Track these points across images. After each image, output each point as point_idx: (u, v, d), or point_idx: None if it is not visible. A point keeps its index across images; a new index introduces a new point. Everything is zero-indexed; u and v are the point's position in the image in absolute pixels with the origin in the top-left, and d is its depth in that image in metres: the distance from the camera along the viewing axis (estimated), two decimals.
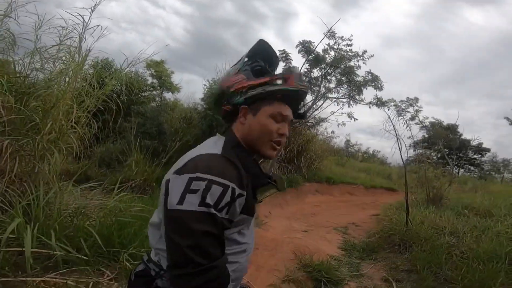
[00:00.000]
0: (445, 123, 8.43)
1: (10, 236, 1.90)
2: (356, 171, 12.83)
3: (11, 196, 2.26)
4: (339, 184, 9.82)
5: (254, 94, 0.87)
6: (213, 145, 0.88)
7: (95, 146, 5.94)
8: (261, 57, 0.95)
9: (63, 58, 3.06)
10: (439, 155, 8.02)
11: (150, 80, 11.39)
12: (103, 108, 3.63)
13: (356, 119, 5.52)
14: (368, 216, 7.09)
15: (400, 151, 5.01)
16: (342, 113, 5.50)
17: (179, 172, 0.80)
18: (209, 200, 0.75)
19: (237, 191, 0.80)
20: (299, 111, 0.96)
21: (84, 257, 2.15)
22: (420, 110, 5.36)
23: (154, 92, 11.54)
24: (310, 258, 3.56)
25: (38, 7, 2.86)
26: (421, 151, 8.61)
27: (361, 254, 4.44)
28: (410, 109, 5.22)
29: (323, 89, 5.30)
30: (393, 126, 5.01)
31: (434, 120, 6.88)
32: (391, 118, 5.07)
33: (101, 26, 3.12)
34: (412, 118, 5.38)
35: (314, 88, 5.42)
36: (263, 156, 0.93)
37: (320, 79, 5.21)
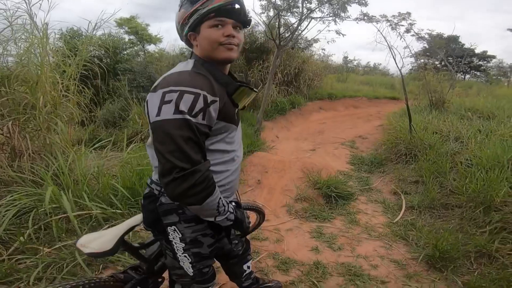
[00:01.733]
0: (445, 35, 7.97)
1: (53, 206, 2.09)
2: (358, 85, 12.59)
3: (37, 170, 2.41)
4: (342, 98, 9.72)
5: (193, 21, 0.94)
6: (184, 66, 0.96)
7: (95, 111, 5.95)
8: None
9: (23, 37, 2.93)
10: (442, 63, 7.77)
11: (126, 37, 11.19)
12: (89, 74, 3.59)
13: (344, 35, 5.49)
14: (374, 127, 7.12)
15: (395, 59, 4.92)
16: (329, 30, 5.34)
17: (154, 90, 0.88)
18: (183, 107, 0.82)
19: (209, 98, 0.87)
20: (243, 16, 0.98)
21: (119, 211, 2.37)
22: (414, 23, 5.17)
23: (135, 48, 11.28)
24: (319, 175, 3.62)
25: None
26: (422, 60, 8.33)
27: (370, 167, 4.49)
28: (404, 23, 5.02)
29: (305, 10, 4.95)
30: (384, 38, 4.84)
31: (430, 31, 6.51)
32: (381, 31, 4.88)
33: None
34: (407, 31, 5.18)
35: (294, 10, 5.13)
36: (223, 61, 0.97)
37: (299, 1, 4.88)
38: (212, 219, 0.97)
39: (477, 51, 19.52)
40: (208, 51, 0.95)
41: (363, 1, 4.80)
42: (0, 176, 2.37)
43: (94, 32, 3.75)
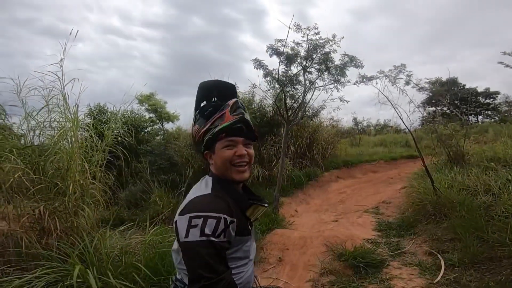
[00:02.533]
0: (444, 79, 8.32)
1: (78, 280, 2.09)
2: (372, 147, 12.73)
3: (64, 248, 2.47)
4: (358, 164, 9.68)
5: (207, 141, 1.05)
6: (204, 187, 1.06)
7: (119, 192, 6.18)
8: (208, 98, 1.09)
9: (57, 119, 3.19)
10: (450, 110, 7.88)
11: (147, 115, 11.67)
12: (112, 159, 3.80)
13: (348, 101, 5.58)
14: (396, 190, 6.94)
15: (402, 119, 4.99)
16: (332, 99, 5.59)
17: (182, 213, 0.99)
18: (207, 231, 0.94)
19: (228, 219, 0.98)
20: (250, 133, 1.08)
21: None
22: (411, 74, 5.39)
23: (155, 126, 11.75)
24: (343, 247, 3.48)
25: (7, 61, 2.97)
26: (429, 110, 8.49)
27: (399, 231, 4.31)
28: (401, 75, 5.25)
29: (307, 82, 5.39)
30: (386, 98, 5.00)
31: (428, 80, 6.77)
32: (382, 90, 5.06)
33: (78, 79, 3.18)
34: (407, 83, 5.39)
35: (296, 86, 5.59)
36: (236, 181, 1.08)
37: (301, 74, 5.34)
38: None
39: (479, 89, 19.75)
40: (222, 170, 1.06)
41: (359, 63, 5.12)
42: (30, 251, 2.44)
43: (119, 110, 4.03)
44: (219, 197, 1.02)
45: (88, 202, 3.04)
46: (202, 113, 1.07)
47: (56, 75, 3.05)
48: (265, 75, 5.26)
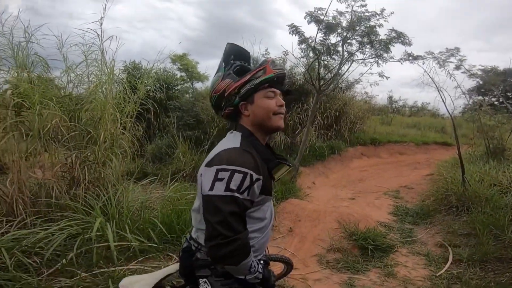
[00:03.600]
0: (501, 69, 7.34)
1: (97, 233, 2.31)
2: (404, 128, 12.03)
3: (89, 200, 2.71)
4: (386, 144, 9.27)
5: (246, 91, 1.06)
6: (232, 140, 1.07)
7: (146, 145, 6.50)
8: (236, 58, 1.12)
9: (94, 72, 3.40)
10: (500, 100, 7.12)
11: (178, 74, 12.06)
12: (142, 111, 3.98)
13: (388, 77, 5.27)
14: (422, 176, 6.65)
15: (445, 103, 4.66)
16: (371, 73, 5.28)
17: (208, 165, 1.01)
18: (233, 186, 0.95)
19: (255, 176, 0.99)
20: (285, 89, 1.13)
21: (154, 245, 2.53)
22: (465, 59, 4.91)
23: (185, 84, 12.07)
24: (356, 227, 3.44)
25: (52, 21, 3.15)
26: (477, 98, 7.74)
27: (415, 219, 4.22)
28: (452, 59, 4.80)
29: (346, 53, 5.08)
30: (431, 79, 4.64)
31: (483, 67, 6.05)
32: (428, 71, 4.68)
33: (116, 36, 3.36)
34: (457, 68, 4.93)
35: (333, 56, 5.32)
36: (275, 129, 1.11)
37: (340, 44, 5.03)
38: (242, 277, 1.06)
39: None
40: (263, 119, 1.08)
41: (407, 41, 4.75)
42: (58, 202, 2.69)
43: (152, 67, 4.20)
44: (248, 152, 1.02)
45: (117, 153, 3.25)
46: (233, 70, 1.09)
47: (96, 33, 3.22)
48: (300, 42, 5.07)
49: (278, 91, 1.09)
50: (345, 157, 8.00)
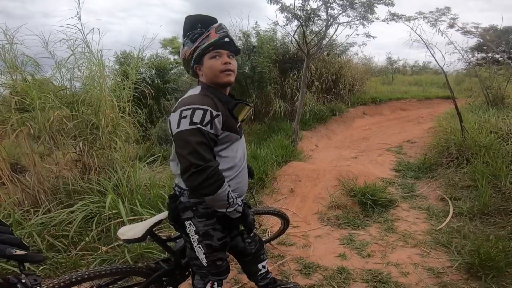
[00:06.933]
0: (500, 27, 7.05)
1: (113, 211, 2.54)
2: (406, 86, 11.82)
3: (102, 182, 2.92)
4: (388, 101, 9.21)
5: (196, 55, 1.22)
6: (193, 90, 1.26)
7: (150, 129, 6.67)
8: (193, 28, 1.24)
9: (84, 65, 3.50)
10: (502, 57, 6.95)
11: (172, 57, 12.01)
12: (141, 96, 4.08)
13: (375, 37, 5.31)
14: (425, 130, 6.60)
15: (434, 57, 4.65)
16: (357, 34, 5.29)
17: (174, 110, 1.16)
18: (195, 119, 1.11)
19: (214, 112, 1.14)
20: (233, 47, 1.25)
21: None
22: (457, 18, 4.91)
23: (180, 67, 12.04)
24: (354, 182, 3.48)
25: (29, 22, 3.16)
26: (478, 56, 7.66)
27: (417, 173, 4.19)
28: (444, 18, 4.80)
29: (329, 17, 5.03)
30: (419, 36, 4.67)
31: (476, 25, 5.91)
32: (415, 29, 4.72)
33: (98, 29, 3.48)
34: (451, 26, 4.91)
35: (317, 21, 5.30)
36: (226, 83, 1.25)
37: (322, 9, 4.98)
38: (223, 210, 1.22)
39: None
40: (212, 77, 1.23)
41: (389, 1, 4.72)
42: (74, 187, 2.91)
43: (142, 54, 4.29)
44: (207, 96, 1.19)
45: (120, 135, 3.42)
46: (190, 39, 1.24)
47: (76, 27, 3.27)
48: (282, 10, 5.03)
49: (224, 52, 1.21)
50: (347, 118, 8.00)
